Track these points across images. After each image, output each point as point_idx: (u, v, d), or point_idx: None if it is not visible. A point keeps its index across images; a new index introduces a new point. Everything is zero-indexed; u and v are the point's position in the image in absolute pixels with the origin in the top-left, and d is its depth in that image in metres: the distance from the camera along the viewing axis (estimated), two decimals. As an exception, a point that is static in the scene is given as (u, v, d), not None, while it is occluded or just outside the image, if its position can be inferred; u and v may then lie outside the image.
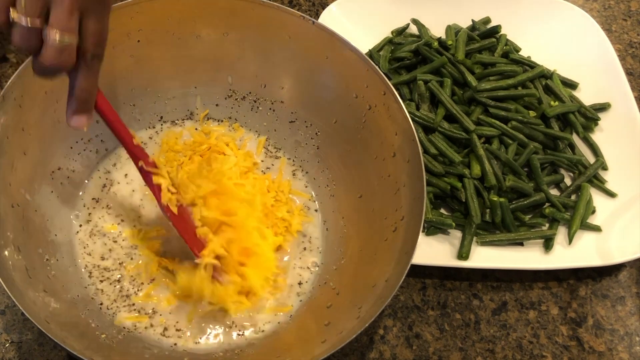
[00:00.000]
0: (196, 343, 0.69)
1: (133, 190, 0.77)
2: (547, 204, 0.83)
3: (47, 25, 0.52)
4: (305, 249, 0.77)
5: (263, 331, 0.71)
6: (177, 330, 0.70)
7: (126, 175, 0.78)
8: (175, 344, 0.69)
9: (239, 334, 0.70)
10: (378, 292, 0.65)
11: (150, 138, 0.81)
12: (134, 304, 0.71)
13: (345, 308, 0.68)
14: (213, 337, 0.70)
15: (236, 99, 0.82)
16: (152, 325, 0.69)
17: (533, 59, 0.94)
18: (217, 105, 0.82)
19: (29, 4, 0.51)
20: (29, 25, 0.51)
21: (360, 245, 0.74)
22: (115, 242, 0.74)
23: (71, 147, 0.75)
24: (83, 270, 0.72)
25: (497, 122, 0.85)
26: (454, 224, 0.79)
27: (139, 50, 0.76)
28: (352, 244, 0.75)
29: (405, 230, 0.67)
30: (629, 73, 0.99)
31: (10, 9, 0.51)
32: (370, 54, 0.94)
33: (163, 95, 0.80)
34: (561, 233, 0.82)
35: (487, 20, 0.98)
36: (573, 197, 0.85)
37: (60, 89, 0.69)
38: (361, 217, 0.75)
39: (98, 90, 0.61)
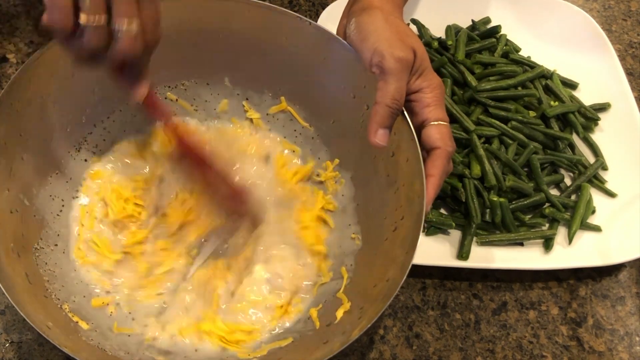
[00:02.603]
0: (196, 350, 0.69)
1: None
2: (547, 204, 0.83)
3: (114, 18, 0.54)
4: (304, 249, 0.77)
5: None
6: (177, 337, 0.69)
7: None
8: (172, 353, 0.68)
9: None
10: (379, 291, 0.65)
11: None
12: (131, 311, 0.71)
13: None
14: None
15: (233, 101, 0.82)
16: (155, 338, 0.69)
17: (533, 59, 0.95)
18: (214, 106, 0.82)
19: (93, 3, 0.53)
20: (97, 24, 0.53)
21: (361, 245, 0.74)
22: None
23: (69, 152, 0.75)
24: (83, 275, 0.72)
25: (497, 122, 0.85)
26: (454, 224, 0.79)
27: None
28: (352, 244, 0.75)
29: (405, 230, 0.67)
30: (629, 73, 0.99)
31: (80, 14, 0.53)
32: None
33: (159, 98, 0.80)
34: (561, 233, 0.82)
35: (487, 20, 0.98)
36: (573, 197, 0.85)
37: (57, 93, 0.70)
38: (360, 217, 0.75)
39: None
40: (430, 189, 0.65)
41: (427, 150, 0.68)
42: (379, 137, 0.67)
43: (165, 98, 0.80)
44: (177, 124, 0.70)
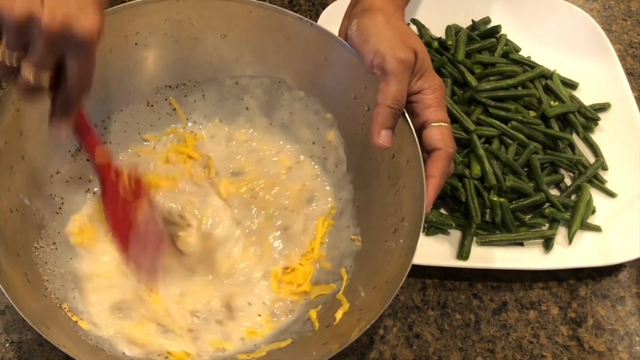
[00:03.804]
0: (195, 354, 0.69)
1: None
2: (547, 204, 0.83)
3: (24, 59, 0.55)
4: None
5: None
6: (173, 334, 0.69)
7: None
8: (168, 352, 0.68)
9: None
10: (379, 293, 0.65)
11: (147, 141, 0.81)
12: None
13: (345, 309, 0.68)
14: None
15: (234, 102, 0.82)
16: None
17: (533, 59, 0.94)
18: (214, 107, 0.82)
19: (10, 41, 0.54)
20: (8, 63, 0.55)
21: (360, 247, 0.74)
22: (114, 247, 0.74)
23: (69, 151, 0.75)
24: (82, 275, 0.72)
25: (497, 122, 0.85)
26: (454, 224, 0.79)
27: (136, 53, 0.76)
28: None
29: (405, 232, 0.67)
30: (629, 73, 0.99)
31: None
32: (370, 54, 0.94)
33: (160, 98, 0.80)
34: (561, 233, 0.82)
35: (487, 20, 0.98)
36: (573, 197, 0.85)
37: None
38: (360, 219, 0.75)
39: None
40: (431, 190, 0.66)
41: (428, 152, 0.68)
42: (382, 138, 0.67)
43: (166, 100, 0.80)
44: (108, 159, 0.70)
